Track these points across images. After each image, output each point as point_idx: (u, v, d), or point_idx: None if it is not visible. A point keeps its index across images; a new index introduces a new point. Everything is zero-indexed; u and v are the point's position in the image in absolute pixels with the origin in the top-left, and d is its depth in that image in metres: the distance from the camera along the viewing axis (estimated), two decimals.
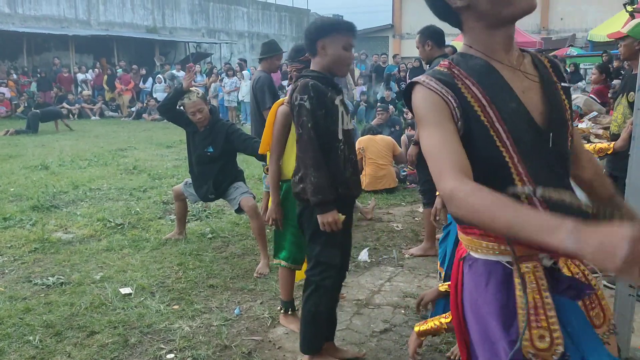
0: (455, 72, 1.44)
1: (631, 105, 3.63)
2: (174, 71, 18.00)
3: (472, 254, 1.49)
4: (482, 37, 1.44)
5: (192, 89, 4.49)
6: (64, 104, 16.61)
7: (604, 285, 3.84)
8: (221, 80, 15.90)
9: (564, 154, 1.46)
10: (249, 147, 4.36)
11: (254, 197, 4.53)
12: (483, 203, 1.20)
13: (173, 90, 4.68)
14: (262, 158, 4.29)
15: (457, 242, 2.89)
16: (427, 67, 4.48)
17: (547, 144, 1.42)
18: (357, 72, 16.43)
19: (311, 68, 2.71)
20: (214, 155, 4.46)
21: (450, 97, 1.39)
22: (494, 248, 1.42)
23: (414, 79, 1.46)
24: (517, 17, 1.40)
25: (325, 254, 2.72)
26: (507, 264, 1.41)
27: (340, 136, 2.66)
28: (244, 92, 15.04)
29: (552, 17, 25.71)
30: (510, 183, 1.39)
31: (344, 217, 2.68)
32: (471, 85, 1.41)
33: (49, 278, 4.06)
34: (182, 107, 4.54)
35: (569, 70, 12.91)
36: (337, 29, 2.62)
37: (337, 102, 2.65)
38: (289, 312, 3.39)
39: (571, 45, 20.15)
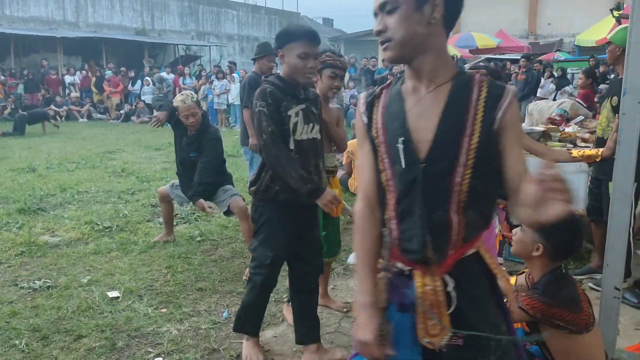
0: (382, 93, 1.57)
1: (614, 109, 3.69)
2: (164, 74, 17.94)
3: None
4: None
5: (187, 92, 4.50)
6: (52, 106, 16.48)
7: (590, 288, 3.88)
8: (211, 83, 15.86)
9: (443, 186, 1.43)
10: (198, 169, 4.38)
11: (244, 199, 4.52)
12: (359, 243, 1.62)
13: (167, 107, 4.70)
14: (191, 196, 4.38)
15: None
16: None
17: (420, 174, 1.43)
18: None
19: (280, 74, 2.78)
20: (197, 161, 4.46)
21: (365, 117, 1.56)
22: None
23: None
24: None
25: (260, 251, 2.83)
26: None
27: (292, 146, 2.71)
28: (234, 94, 15.02)
29: (540, 22, 25.95)
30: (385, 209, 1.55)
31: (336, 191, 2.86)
32: (380, 108, 1.53)
33: (36, 282, 4.02)
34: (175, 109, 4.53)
35: (556, 75, 13.04)
36: (293, 37, 2.64)
37: (291, 112, 2.69)
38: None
39: (558, 50, 20.38)
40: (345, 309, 3.56)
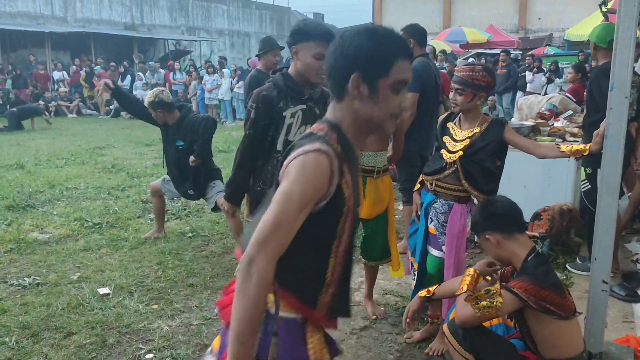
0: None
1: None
2: (152, 63, 17.91)
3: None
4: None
5: (152, 91, 4.53)
6: (40, 102, 16.32)
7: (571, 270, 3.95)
8: (201, 79, 15.77)
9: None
10: (200, 128, 4.46)
11: None
12: (261, 304, 1.36)
13: (117, 102, 4.94)
14: (198, 152, 4.41)
15: (426, 236, 2.96)
16: None
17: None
18: None
19: (289, 70, 2.77)
20: (185, 149, 4.47)
21: (338, 176, 1.47)
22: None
23: None
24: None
25: None
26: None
27: (280, 147, 2.74)
28: (224, 90, 14.94)
29: (529, 17, 26.07)
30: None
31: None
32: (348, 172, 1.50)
33: (25, 279, 4.00)
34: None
35: (546, 69, 13.13)
36: (311, 36, 2.61)
37: (287, 112, 2.71)
38: None
39: (548, 45, 20.48)
40: (374, 317, 3.46)
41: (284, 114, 2.68)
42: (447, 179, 2.86)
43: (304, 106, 2.73)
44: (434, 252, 2.95)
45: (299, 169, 1.37)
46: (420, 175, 3.11)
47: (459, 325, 2.31)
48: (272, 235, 1.33)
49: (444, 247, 2.90)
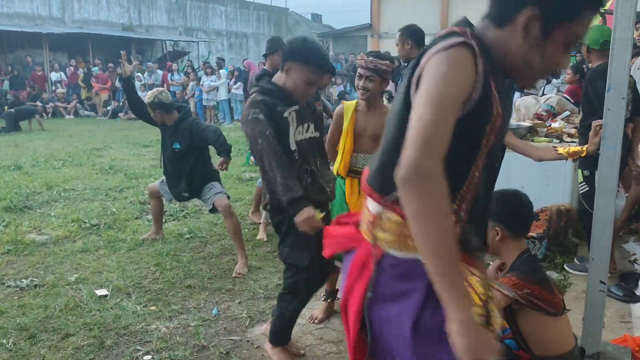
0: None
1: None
2: (150, 64, 17.91)
3: (394, 252, 1.36)
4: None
5: (152, 91, 4.51)
6: (38, 103, 16.30)
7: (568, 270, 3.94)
8: (198, 80, 15.76)
9: (494, 177, 1.48)
10: (209, 137, 4.40)
11: (228, 197, 4.51)
12: (443, 221, 1.14)
13: (122, 86, 4.84)
14: (224, 151, 4.33)
15: None
16: (405, 66, 4.53)
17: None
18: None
19: (274, 77, 2.71)
20: (181, 151, 4.45)
21: (481, 80, 1.29)
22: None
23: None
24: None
25: (294, 256, 2.72)
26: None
27: (293, 147, 2.68)
28: (222, 91, 14.93)
29: None
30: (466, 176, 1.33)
31: (322, 214, 2.67)
32: (492, 81, 1.31)
33: (23, 280, 3.99)
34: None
35: None
36: (307, 61, 2.56)
37: (286, 114, 2.65)
38: (328, 300, 3.47)
39: None
40: None
41: (284, 114, 2.64)
42: None
43: (296, 107, 2.70)
44: None
45: (443, 62, 1.20)
46: None
47: None
48: (433, 134, 1.13)
49: None
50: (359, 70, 3.20)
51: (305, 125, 2.75)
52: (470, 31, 1.30)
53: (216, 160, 4.47)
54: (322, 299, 3.50)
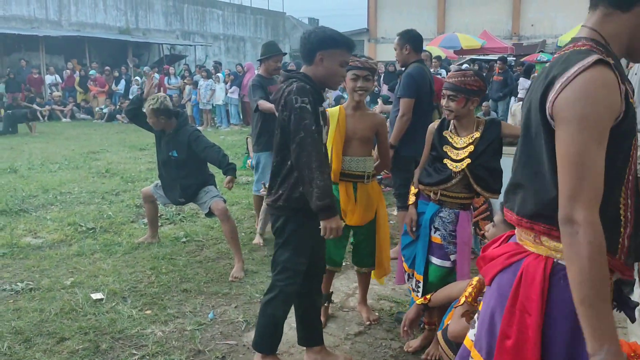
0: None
1: None
2: (147, 68, 17.91)
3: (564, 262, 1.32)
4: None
5: (154, 96, 4.43)
6: (34, 106, 16.27)
7: None
8: (195, 84, 15.76)
9: None
10: (211, 157, 4.35)
11: (225, 201, 4.51)
12: (601, 270, 1.18)
13: (134, 98, 4.82)
14: (230, 170, 4.28)
15: (429, 246, 2.95)
16: (403, 71, 4.55)
17: None
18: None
19: (302, 75, 2.64)
20: (179, 160, 4.43)
21: (622, 91, 1.24)
22: None
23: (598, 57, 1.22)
24: None
25: (294, 260, 2.70)
26: None
27: (325, 141, 2.69)
28: (218, 95, 14.92)
29: (523, 23, 26.25)
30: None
31: (344, 223, 2.67)
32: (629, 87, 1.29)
33: (18, 284, 3.98)
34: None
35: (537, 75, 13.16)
36: (339, 44, 2.59)
37: (321, 108, 2.65)
38: (325, 304, 3.42)
39: (541, 51, 20.58)
40: (369, 322, 3.44)
41: (320, 109, 2.62)
42: (454, 188, 2.87)
43: (322, 108, 2.68)
44: (437, 261, 2.94)
45: (583, 90, 1.17)
46: (413, 187, 3.10)
47: (450, 339, 2.31)
48: (580, 182, 1.15)
49: (452, 257, 2.90)
50: (355, 72, 3.19)
51: (326, 127, 2.76)
52: (592, 44, 1.27)
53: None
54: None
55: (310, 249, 2.74)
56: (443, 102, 2.84)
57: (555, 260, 1.36)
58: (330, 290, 3.48)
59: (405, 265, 3.14)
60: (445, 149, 2.89)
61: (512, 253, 1.47)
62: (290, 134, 2.51)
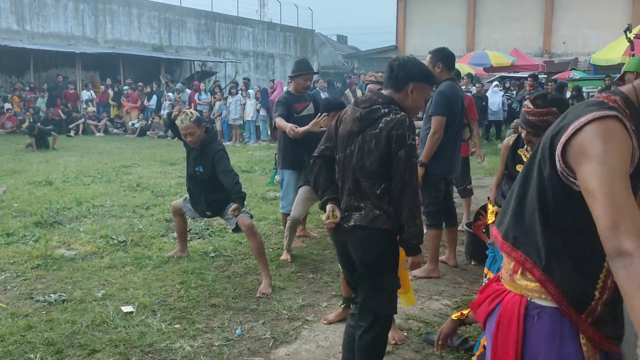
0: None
1: None
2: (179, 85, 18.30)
3: (537, 301, 1.40)
4: None
5: (188, 111, 4.49)
6: (51, 126, 16.66)
7: None
8: (225, 99, 15.97)
9: None
10: (225, 182, 4.32)
11: (252, 217, 4.53)
12: None
13: (166, 115, 4.96)
14: (238, 199, 4.22)
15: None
16: (434, 89, 4.54)
17: None
18: (358, 92, 16.53)
19: (393, 102, 2.62)
20: (204, 176, 4.47)
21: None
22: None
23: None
24: None
25: (390, 306, 2.70)
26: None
27: None
28: (249, 111, 15.08)
29: (554, 40, 25.93)
30: None
31: None
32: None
33: (51, 295, 4.06)
34: None
35: (570, 94, 12.94)
36: (430, 81, 2.70)
37: None
38: (343, 306, 3.59)
39: (573, 69, 20.29)
40: (394, 342, 3.36)
41: None
42: None
43: None
44: None
45: (601, 129, 1.22)
46: (491, 205, 3.13)
47: None
48: (619, 212, 1.15)
49: None
50: (371, 87, 3.23)
51: None
52: (620, 99, 1.32)
53: (240, 178, 4.50)
54: (340, 304, 3.66)
55: None
56: (523, 134, 2.73)
57: (528, 299, 1.40)
58: (352, 295, 3.46)
59: (485, 270, 3.21)
60: (518, 169, 2.84)
61: (493, 296, 1.53)
62: (396, 166, 2.49)
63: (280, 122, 4.84)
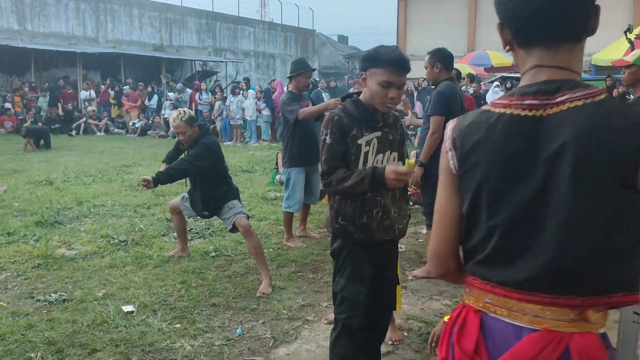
0: None
1: None
2: (180, 85, 18.31)
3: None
4: None
5: (180, 110, 4.52)
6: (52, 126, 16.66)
7: None
8: (225, 99, 15.97)
9: None
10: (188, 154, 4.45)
11: (248, 217, 4.53)
12: None
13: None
14: (162, 173, 4.28)
15: None
16: (433, 89, 4.54)
17: None
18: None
19: (360, 96, 2.58)
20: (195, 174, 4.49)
21: None
22: None
23: None
24: None
25: (349, 288, 2.55)
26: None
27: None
28: (249, 110, 15.09)
29: None
30: None
31: (412, 160, 2.43)
32: None
33: (52, 294, 4.06)
34: None
35: None
36: (378, 62, 2.44)
37: (362, 140, 2.48)
38: None
39: None
40: (391, 342, 3.36)
41: (358, 142, 2.48)
42: None
43: (379, 133, 2.53)
44: None
45: None
46: None
47: None
48: None
49: None
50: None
51: (388, 152, 2.59)
52: None
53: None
54: None
55: (368, 277, 2.59)
56: None
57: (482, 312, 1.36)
58: None
59: None
60: None
61: (459, 310, 1.48)
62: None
63: (306, 109, 4.89)
